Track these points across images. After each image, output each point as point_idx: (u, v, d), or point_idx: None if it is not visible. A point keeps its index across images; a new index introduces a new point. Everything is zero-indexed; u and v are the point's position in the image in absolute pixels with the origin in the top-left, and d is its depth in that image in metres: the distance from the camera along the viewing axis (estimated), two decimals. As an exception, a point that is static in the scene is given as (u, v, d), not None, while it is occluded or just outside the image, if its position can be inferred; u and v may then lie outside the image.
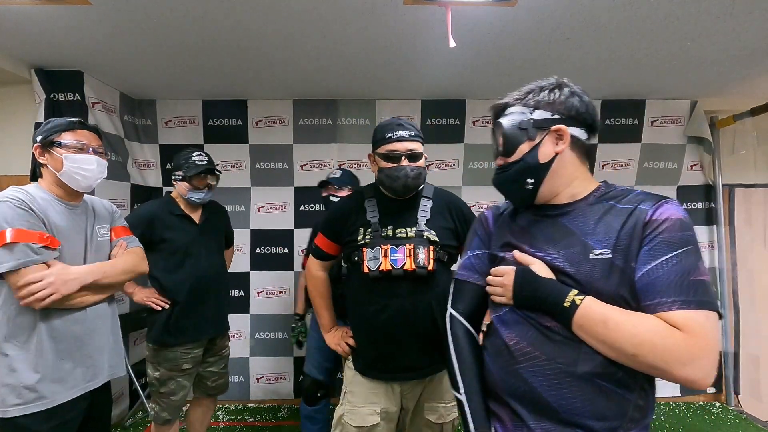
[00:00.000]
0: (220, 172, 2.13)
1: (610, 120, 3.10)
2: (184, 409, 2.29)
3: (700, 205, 3.19)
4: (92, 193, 1.73)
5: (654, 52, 2.27)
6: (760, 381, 3.12)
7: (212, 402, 2.24)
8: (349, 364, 1.58)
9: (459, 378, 0.99)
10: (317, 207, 3.07)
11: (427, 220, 1.48)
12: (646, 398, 0.86)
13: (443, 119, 3.09)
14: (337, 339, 1.63)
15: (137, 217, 1.98)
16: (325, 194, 2.28)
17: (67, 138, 1.39)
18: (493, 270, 0.97)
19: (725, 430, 2.78)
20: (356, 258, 1.47)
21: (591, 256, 0.84)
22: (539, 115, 0.92)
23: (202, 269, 2.02)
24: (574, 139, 0.93)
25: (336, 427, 1.52)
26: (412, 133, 1.44)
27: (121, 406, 2.78)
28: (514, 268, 0.92)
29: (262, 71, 2.53)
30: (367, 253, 1.43)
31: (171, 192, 2.12)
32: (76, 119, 1.44)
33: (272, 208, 3.09)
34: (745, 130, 3.13)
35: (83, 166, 1.39)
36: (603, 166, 3.12)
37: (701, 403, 3.15)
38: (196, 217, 2.09)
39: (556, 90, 0.94)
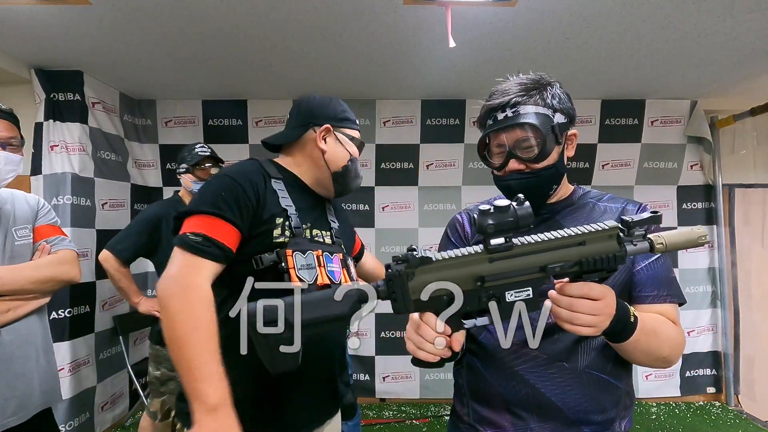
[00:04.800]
0: (223, 162, 2.12)
1: (610, 120, 3.08)
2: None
3: (700, 205, 3.18)
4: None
5: (654, 52, 2.27)
6: (759, 381, 3.12)
7: None
8: None
9: None
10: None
11: (338, 226, 1.19)
12: (629, 384, 0.90)
13: (443, 119, 3.09)
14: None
15: (143, 220, 1.95)
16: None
17: None
18: (571, 288, 0.69)
19: (725, 430, 2.78)
20: (272, 262, 0.96)
21: None
22: (558, 118, 0.87)
23: None
24: None
25: None
26: None
27: (121, 405, 2.78)
28: (608, 288, 0.70)
29: (262, 71, 2.53)
30: (297, 258, 0.97)
31: (179, 191, 2.12)
32: None
33: (272, 208, 3.10)
34: (745, 130, 3.13)
35: None
36: (603, 166, 3.09)
37: (701, 403, 3.15)
38: None
39: (555, 88, 0.89)
